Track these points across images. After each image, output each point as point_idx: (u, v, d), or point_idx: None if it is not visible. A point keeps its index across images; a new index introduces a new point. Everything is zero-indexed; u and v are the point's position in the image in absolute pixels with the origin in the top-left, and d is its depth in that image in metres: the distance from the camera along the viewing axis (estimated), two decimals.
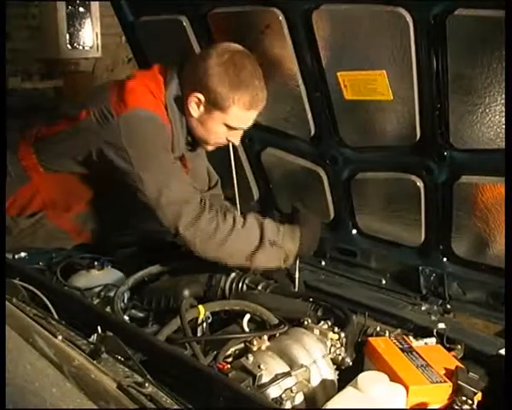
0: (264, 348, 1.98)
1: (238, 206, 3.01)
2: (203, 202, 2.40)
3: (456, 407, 1.75)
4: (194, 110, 2.49)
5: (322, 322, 2.17)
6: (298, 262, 2.62)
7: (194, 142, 2.65)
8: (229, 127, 2.51)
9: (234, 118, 2.47)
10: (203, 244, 2.38)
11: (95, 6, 6.04)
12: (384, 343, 2.03)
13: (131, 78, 2.55)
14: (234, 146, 2.72)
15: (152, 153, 2.43)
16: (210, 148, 2.68)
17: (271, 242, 2.42)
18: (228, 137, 2.57)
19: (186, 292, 2.41)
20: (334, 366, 2.00)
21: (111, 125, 2.42)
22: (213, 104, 2.44)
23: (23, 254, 2.73)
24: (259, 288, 2.48)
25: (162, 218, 2.40)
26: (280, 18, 2.55)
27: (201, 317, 2.17)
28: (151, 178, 2.40)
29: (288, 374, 1.82)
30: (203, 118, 2.50)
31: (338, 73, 2.54)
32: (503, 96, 2.11)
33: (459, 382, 1.81)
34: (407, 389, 1.77)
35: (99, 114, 2.45)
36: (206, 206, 2.39)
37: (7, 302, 1.79)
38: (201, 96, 2.45)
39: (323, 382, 1.90)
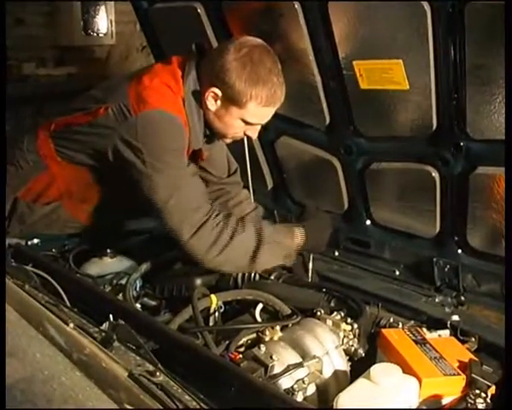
0: (276, 338, 1.97)
1: (252, 194, 3.01)
2: (210, 212, 2.40)
3: (470, 400, 1.73)
4: (212, 104, 2.45)
5: (335, 313, 2.17)
6: (311, 254, 2.62)
7: (212, 134, 2.63)
8: (246, 122, 2.49)
9: (250, 114, 2.43)
10: (204, 251, 2.37)
11: None
12: (397, 335, 2.02)
13: (150, 73, 2.51)
14: (249, 136, 2.69)
15: (167, 155, 2.41)
16: (227, 141, 2.67)
17: (269, 243, 2.44)
18: (245, 131, 2.54)
19: (198, 281, 2.40)
20: (347, 357, 2.00)
21: (129, 123, 2.40)
22: (230, 99, 2.41)
23: (36, 241, 2.73)
24: (272, 277, 2.48)
25: (167, 221, 2.39)
26: (296, 6, 2.54)
27: (214, 306, 2.17)
28: (163, 180, 2.38)
29: (300, 365, 1.81)
30: (220, 112, 2.47)
31: (354, 62, 2.52)
32: None
33: (473, 375, 1.80)
34: (420, 381, 1.76)
35: (117, 111, 2.42)
36: (212, 215, 2.39)
37: (19, 289, 1.79)
38: (218, 91, 2.41)
39: (336, 373, 1.89)
